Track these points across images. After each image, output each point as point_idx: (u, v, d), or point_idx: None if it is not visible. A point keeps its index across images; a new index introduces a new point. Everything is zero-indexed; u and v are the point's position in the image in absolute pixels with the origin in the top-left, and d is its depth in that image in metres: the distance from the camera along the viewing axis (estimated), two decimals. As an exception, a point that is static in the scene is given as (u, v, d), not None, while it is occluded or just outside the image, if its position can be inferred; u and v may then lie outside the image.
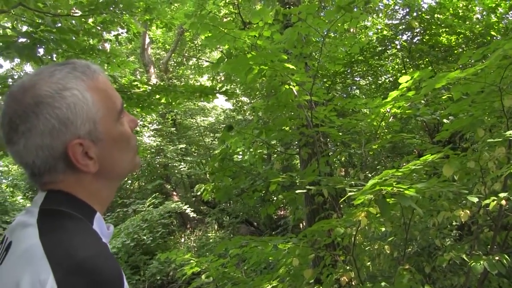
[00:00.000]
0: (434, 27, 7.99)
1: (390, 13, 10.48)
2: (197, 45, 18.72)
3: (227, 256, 4.73)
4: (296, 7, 4.41)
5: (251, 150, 5.16)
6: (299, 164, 8.48)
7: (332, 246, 4.61)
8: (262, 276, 4.63)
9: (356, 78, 10.32)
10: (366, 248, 4.34)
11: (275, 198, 6.22)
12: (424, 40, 8.10)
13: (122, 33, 7.20)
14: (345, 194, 3.13)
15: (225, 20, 6.70)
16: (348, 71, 9.48)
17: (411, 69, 8.19)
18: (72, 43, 5.07)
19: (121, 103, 1.08)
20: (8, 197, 14.72)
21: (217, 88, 6.55)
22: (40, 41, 4.59)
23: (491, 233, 3.64)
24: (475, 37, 7.80)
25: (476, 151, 3.52)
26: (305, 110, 4.69)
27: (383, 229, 4.19)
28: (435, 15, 8.07)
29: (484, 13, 8.60)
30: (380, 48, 8.68)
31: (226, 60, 4.53)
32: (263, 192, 5.36)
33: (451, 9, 8.17)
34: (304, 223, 8.56)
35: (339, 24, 4.12)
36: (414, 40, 8.36)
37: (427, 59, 7.98)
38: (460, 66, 5.44)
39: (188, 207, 13.80)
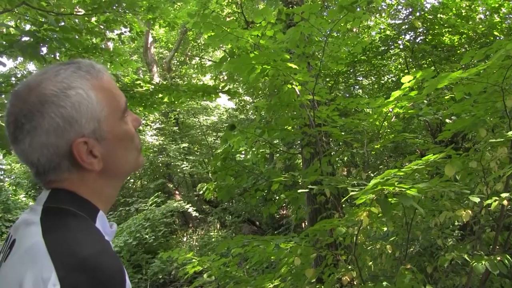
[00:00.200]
0: (437, 27, 7.97)
1: (393, 13, 10.47)
2: (200, 44, 18.72)
3: (229, 255, 4.74)
4: (299, 6, 4.41)
5: (254, 149, 5.16)
6: (301, 164, 8.48)
7: (334, 246, 4.61)
8: (264, 275, 4.63)
9: (358, 78, 10.31)
10: (368, 248, 4.34)
11: (277, 198, 6.21)
12: (427, 40, 8.09)
13: (125, 32, 7.21)
14: (347, 193, 3.13)
15: (228, 19, 6.70)
16: (351, 70, 9.47)
17: (414, 69, 8.18)
18: (75, 42, 5.09)
19: (125, 102, 1.08)
20: (10, 195, 14.76)
21: (220, 87, 6.55)
22: (43, 40, 4.59)
23: (493, 233, 3.64)
24: (478, 37, 7.78)
25: (478, 151, 3.53)
26: (307, 110, 4.69)
27: (385, 228, 4.19)
28: (438, 15, 8.06)
29: (487, 13, 8.58)
30: (382, 48, 8.67)
31: (229, 59, 4.53)
32: (265, 191, 5.35)
33: (454, 9, 8.15)
34: (306, 223, 8.57)
35: (342, 24, 4.12)
36: (417, 40, 8.35)
37: (429, 59, 7.97)
38: (463, 66, 5.43)
39: (190, 206, 13.83)
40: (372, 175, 7.48)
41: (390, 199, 2.84)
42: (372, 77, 10.21)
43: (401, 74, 8.34)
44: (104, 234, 0.98)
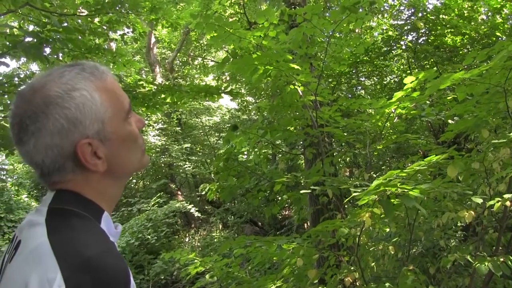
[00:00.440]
0: (439, 27, 7.97)
1: (395, 13, 10.46)
2: (202, 45, 18.73)
3: (231, 256, 4.73)
4: (301, 7, 4.42)
5: (256, 150, 5.17)
6: (303, 164, 8.49)
7: (337, 247, 4.61)
8: (266, 276, 4.63)
9: (361, 79, 10.31)
10: (370, 249, 4.34)
11: (279, 198, 6.22)
12: (429, 40, 8.08)
13: (128, 32, 7.21)
14: (349, 194, 3.13)
15: (230, 20, 6.70)
16: (353, 71, 9.47)
17: (416, 70, 8.18)
18: (78, 43, 5.10)
19: (129, 103, 1.09)
20: (13, 195, 14.78)
21: (222, 88, 6.55)
22: (46, 40, 4.61)
23: (496, 234, 3.64)
24: (480, 38, 7.77)
25: (481, 152, 3.53)
26: (310, 110, 4.70)
27: (388, 229, 4.19)
28: (440, 16, 8.05)
29: (489, 14, 8.57)
30: (385, 49, 8.67)
31: (231, 60, 4.53)
32: (268, 192, 5.36)
33: (456, 9, 8.15)
34: (308, 223, 8.57)
35: (344, 25, 4.12)
36: (419, 41, 8.34)
37: (432, 60, 7.96)
38: (465, 66, 5.43)
39: (192, 207, 13.82)
40: (375, 176, 7.47)
41: (392, 200, 2.84)
42: (374, 78, 10.20)
43: (404, 75, 8.35)
44: (109, 235, 0.98)
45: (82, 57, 5.38)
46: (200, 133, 17.62)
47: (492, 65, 2.91)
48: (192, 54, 20.08)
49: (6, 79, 5.23)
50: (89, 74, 1.00)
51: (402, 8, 9.80)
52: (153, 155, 15.29)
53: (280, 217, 14.40)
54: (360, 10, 4.03)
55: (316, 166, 4.47)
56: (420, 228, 4.39)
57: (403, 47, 8.68)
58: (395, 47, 8.69)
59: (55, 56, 5.17)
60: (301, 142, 7.50)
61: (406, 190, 2.64)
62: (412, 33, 8.41)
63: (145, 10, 6.83)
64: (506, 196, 3.05)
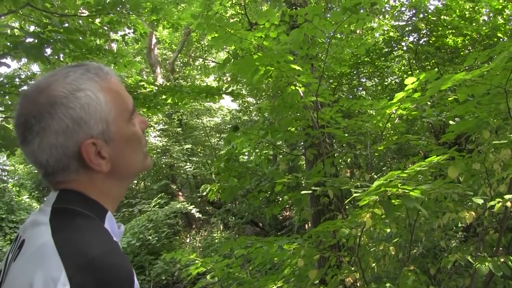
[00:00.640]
0: (440, 28, 7.97)
1: (396, 14, 10.46)
2: (203, 45, 18.72)
3: (232, 257, 4.73)
4: (302, 8, 4.42)
5: (257, 150, 5.17)
6: (304, 165, 8.48)
7: (337, 247, 4.61)
8: (267, 276, 4.63)
9: (362, 79, 10.32)
10: (371, 249, 4.34)
11: (280, 199, 6.22)
12: (431, 41, 8.08)
13: (129, 33, 7.22)
14: (350, 195, 3.13)
15: (231, 20, 6.70)
16: (354, 72, 9.48)
17: (417, 71, 8.17)
18: (79, 43, 5.11)
19: (133, 104, 1.10)
20: (14, 196, 14.79)
21: (223, 89, 6.55)
22: (47, 41, 4.61)
23: (497, 234, 3.65)
24: (481, 38, 7.78)
25: (482, 153, 3.53)
26: (311, 111, 4.70)
27: (388, 230, 4.19)
28: (442, 17, 8.05)
29: (491, 15, 8.57)
30: (386, 50, 8.68)
31: (232, 60, 4.53)
32: (269, 192, 5.36)
33: (457, 10, 8.14)
34: (309, 224, 8.57)
35: (345, 26, 4.12)
36: (421, 42, 8.35)
37: (433, 61, 7.97)
38: (466, 67, 5.43)
39: (193, 208, 13.83)
40: (375, 176, 7.48)
41: (393, 201, 2.84)
42: (375, 79, 10.21)
43: (405, 76, 8.34)
44: (112, 235, 0.99)
45: (83, 57, 5.39)
46: (201, 134, 17.62)
47: (493, 66, 2.91)
48: (193, 55, 20.09)
49: (7, 80, 5.23)
50: (94, 75, 1.01)
51: (403, 9, 9.80)
52: (154, 156, 15.29)
53: (281, 217, 14.40)
54: (361, 11, 4.04)
55: (317, 167, 4.47)
56: (421, 228, 4.39)
57: (404, 48, 8.68)
58: (396, 48, 8.70)
59: (56, 57, 5.18)
60: (302, 143, 7.51)
61: (407, 191, 2.65)
62: (413, 34, 8.42)
63: (146, 10, 6.84)
64: (507, 197, 3.05)
